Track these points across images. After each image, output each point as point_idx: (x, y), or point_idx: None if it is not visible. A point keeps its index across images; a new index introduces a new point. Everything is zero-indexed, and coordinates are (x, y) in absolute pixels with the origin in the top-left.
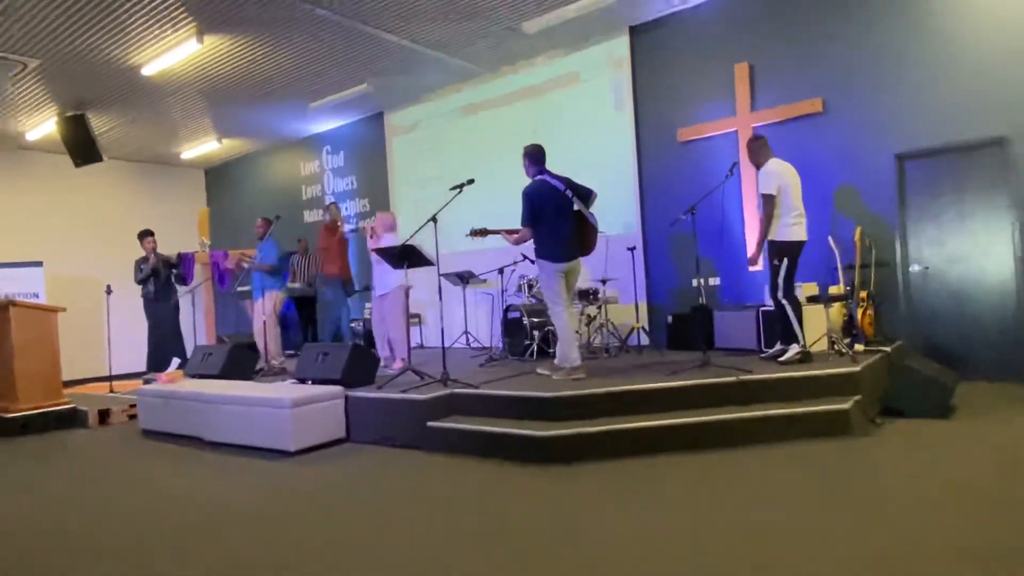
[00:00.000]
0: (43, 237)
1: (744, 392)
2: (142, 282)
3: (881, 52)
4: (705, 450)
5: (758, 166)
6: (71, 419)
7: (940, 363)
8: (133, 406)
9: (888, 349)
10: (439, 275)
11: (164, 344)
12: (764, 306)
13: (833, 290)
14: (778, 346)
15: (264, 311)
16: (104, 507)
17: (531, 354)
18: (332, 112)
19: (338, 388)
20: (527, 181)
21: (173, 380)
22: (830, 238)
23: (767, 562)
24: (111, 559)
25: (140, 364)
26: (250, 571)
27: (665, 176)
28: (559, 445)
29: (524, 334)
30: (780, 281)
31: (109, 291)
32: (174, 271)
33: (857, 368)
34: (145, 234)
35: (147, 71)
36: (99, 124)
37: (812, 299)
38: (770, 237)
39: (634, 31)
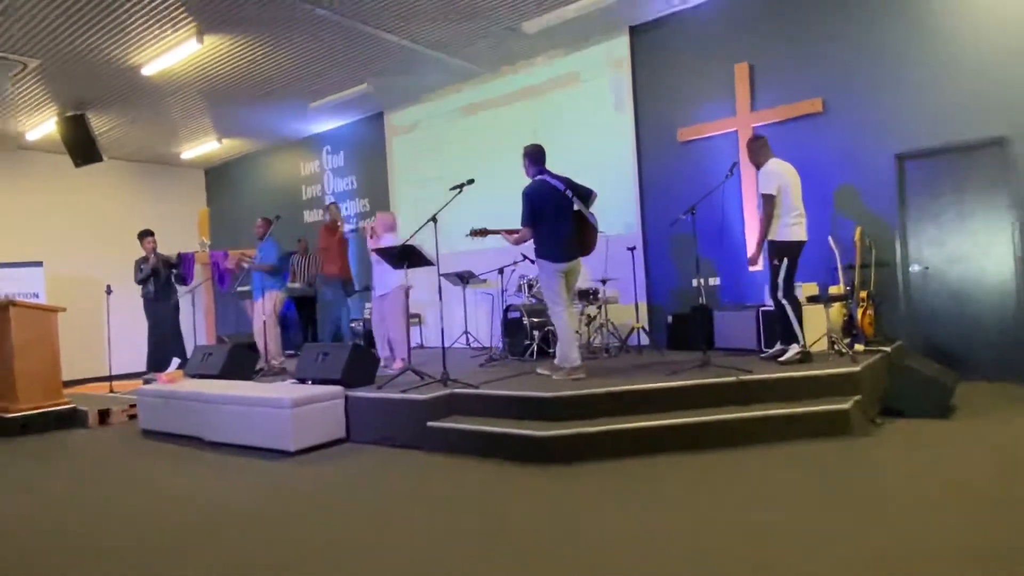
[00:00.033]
0: (43, 237)
1: (744, 392)
2: (142, 282)
3: (881, 52)
4: (705, 450)
5: (758, 166)
6: (71, 419)
7: (940, 363)
8: (133, 406)
9: (888, 349)
10: (439, 275)
11: (164, 344)
12: (764, 306)
13: (833, 290)
14: (778, 346)
15: (264, 311)
16: (104, 507)
17: (531, 354)
18: (332, 112)
19: (338, 388)
20: (527, 181)
21: (173, 380)
22: (830, 238)
23: (767, 562)
24: (111, 559)
25: (140, 364)
26: (250, 571)
27: (665, 176)
28: (559, 445)
29: (524, 334)
30: (780, 281)
31: (109, 291)
32: (174, 271)
33: (857, 368)
34: (145, 234)
35: (147, 71)
36: (99, 124)
37: (812, 299)
38: (770, 237)
39: (634, 31)
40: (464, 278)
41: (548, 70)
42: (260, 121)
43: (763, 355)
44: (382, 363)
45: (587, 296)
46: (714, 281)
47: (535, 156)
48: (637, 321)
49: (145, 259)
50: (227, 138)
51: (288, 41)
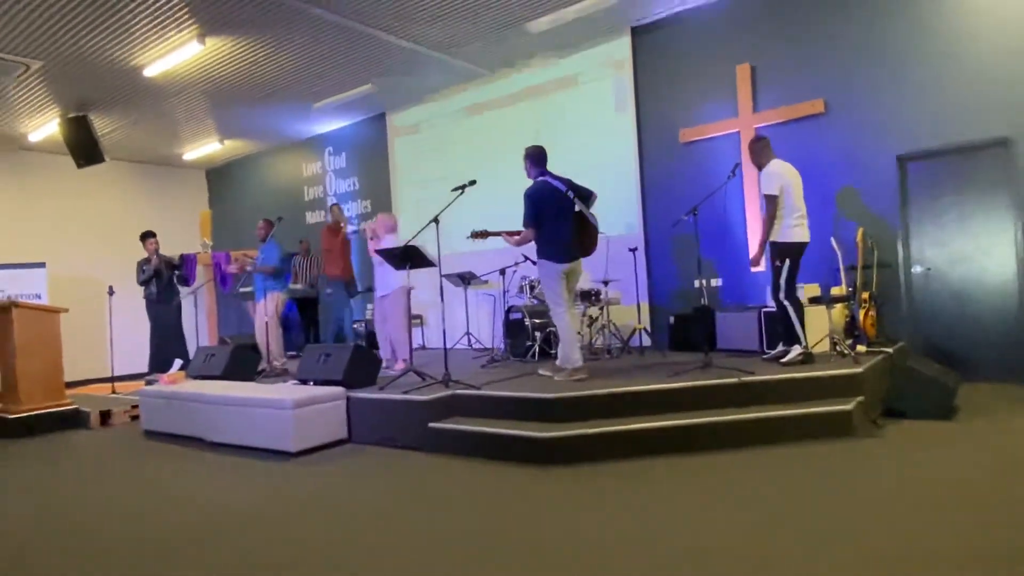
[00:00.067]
0: (45, 238)
1: (746, 393)
2: (144, 283)
3: (882, 53)
4: (707, 451)
5: (760, 167)
6: (73, 420)
7: (942, 364)
8: (135, 407)
9: (890, 350)
10: (441, 276)
11: (166, 345)
12: (766, 307)
13: (835, 291)
14: (780, 347)
15: (266, 312)
16: (106, 507)
17: (533, 355)
18: (334, 113)
19: (340, 389)
20: (529, 182)
21: (175, 381)
22: (832, 239)
23: (769, 563)
24: (113, 560)
25: (142, 365)
26: (252, 571)
27: (667, 177)
28: (561, 446)
29: (526, 335)
30: (782, 282)
31: (111, 292)
32: (176, 272)
33: (859, 369)
34: (147, 235)
35: (149, 72)
36: (101, 125)
37: (814, 300)
38: (772, 238)
39: (636, 32)
40: (466, 279)
41: (550, 71)
42: (262, 122)
43: (765, 356)
44: (384, 364)
45: (589, 297)
46: (716, 282)
47: (536, 157)
48: (639, 322)
49: (147, 260)
50: (229, 139)
51: (290, 42)
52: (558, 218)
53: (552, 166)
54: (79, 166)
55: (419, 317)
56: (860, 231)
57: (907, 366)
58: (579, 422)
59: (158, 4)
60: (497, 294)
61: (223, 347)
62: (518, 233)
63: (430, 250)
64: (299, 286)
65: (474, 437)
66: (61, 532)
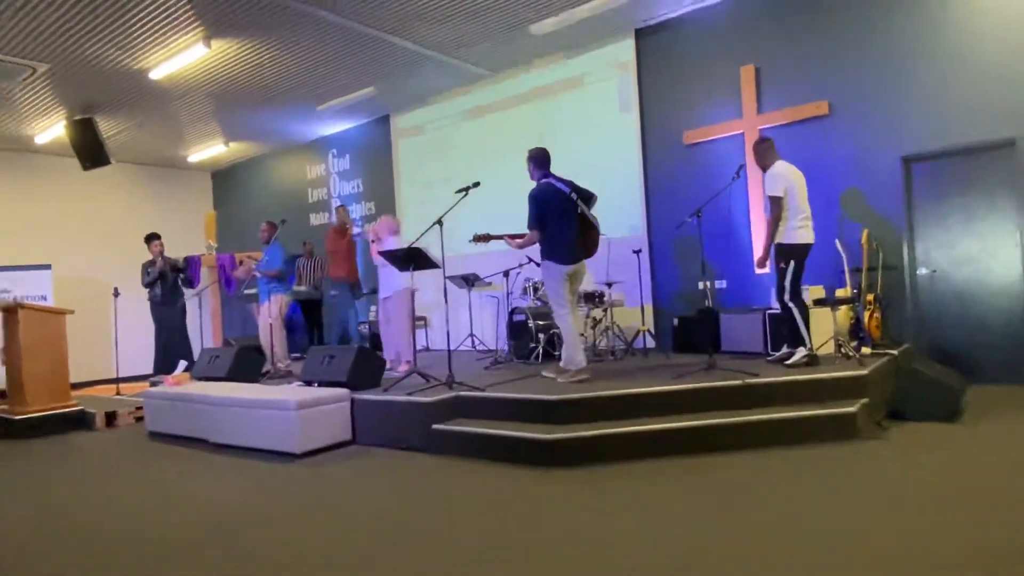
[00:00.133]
0: (51, 240)
1: (750, 395)
2: (149, 285)
3: (887, 54)
4: (711, 453)
5: (764, 168)
6: (78, 421)
7: (947, 366)
8: (140, 408)
9: (895, 352)
10: (444, 278)
11: (171, 347)
12: (770, 309)
13: (840, 293)
14: (785, 349)
15: (270, 314)
16: (110, 508)
17: (536, 357)
18: (338, 115)
19: (344, 391)
20: (533, 184)
21: (180, 382)
22: (837, 241)
23: (772, 564)
24: (117, 560)
25: (147, 366)
26: (256, 572)
27: (671, 178)
28: (564, 448)
29: (529, 337)
30: (787, 284)
31: (116, 294)
32: (181, 275)
33: (864, 371)
34: (152, 237)
35: (155, 75)
36: (107, 128)
37: (819, 302)
38: (777, 240)
39: (640, 34)
40: (469, 281)
41: (554, 73)
42: (267, 124)
43: (770, 358)
44: (388, 366)
45: (593, 299)
46: (720, 284)
47: (540, 159)
48: (643, 324)
49: (152, 262)
50: (234, 141)
51: (295, 45)
52: (562, 220)
53: (556, 168)
54: (85, 168)
55: (423, 319)
56: (865, 233)
57: (912, 368)
58: (583, 424)
59: (164, 7)
60: (501, 296)
61: (227, 349)
62: (521, 236)
63: (434, 252)
64: (303, 288)
65: (478, 439)
66: (65, 532)
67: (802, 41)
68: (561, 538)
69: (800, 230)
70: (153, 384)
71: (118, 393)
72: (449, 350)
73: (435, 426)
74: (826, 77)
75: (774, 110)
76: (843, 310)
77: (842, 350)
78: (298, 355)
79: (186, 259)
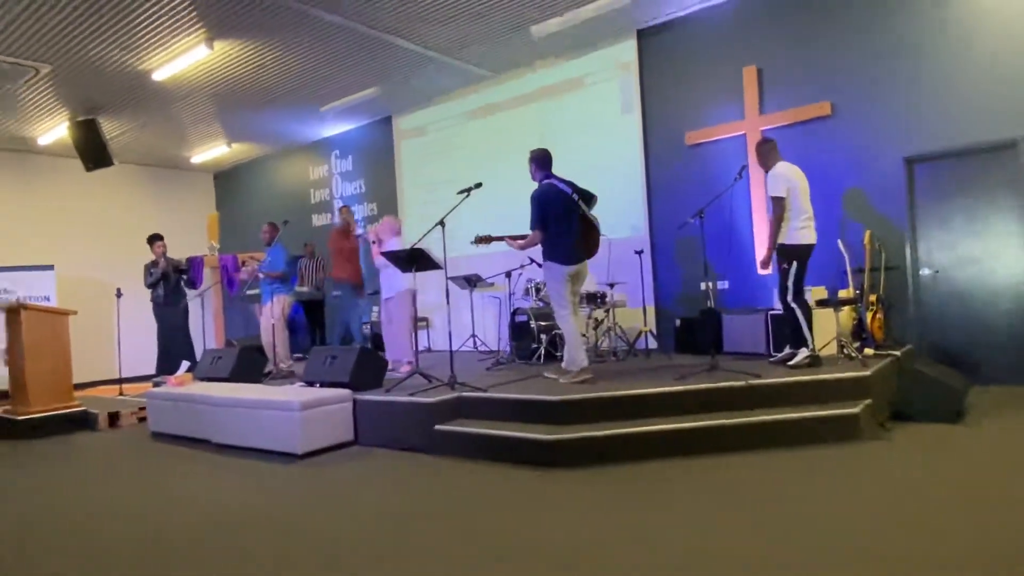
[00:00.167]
0: (54, 241)
1: (753, 396)
2: (152, 286)
3: (889, 55)
4: (713, 454)
5: (767, 169)
6: (81, 421)
7: (950, 367)
8: (142, 409)
9: (898, 353)
10: (447, 278)
11: (173, 347)
12: (773, 310)
13: (842, 294)
14: (787, 350)
15: (273, 315)
16: (113, 509)
17: (538, 357)
18: (341, 116)
19: (346, 391)
20: (535, 185)
21: (182, 383)
22: (839, 242)
23: (774, 565)
24: (119, 561)
25: (150, 367)
26: (258, 572)
27: (673, 179)
28: (566, 449)
29: (531, 337)
30: (790, 284)
31: (119, 294)
32: (183, 275)
33: (867, 372)
34: (155, 238)
35: (158, 76)
36: (110, 129)
37: (821, 303)
38: (780, 240)
39: (642, 34)
40: (472, 281)
41: (556, 73)
42: (269, 125)
43: (772, 359)
44: (390, 366)
45: (595, 300)
46: (722, 284)
47: (541, 161)
48: (645, 325)
49: (155, 263)
50: (236, 142)
51: (297, 46)
52: (564, 220)
53: (558, 168)
54: (88, 169)
55: (425, 319)
56: (867, 233)
57: (915, 369)
58: (585, 425)
59: (166, 9)
60: (503, 296)
61: (230, 349)
62: (522, 237)
63: (436, 252)
64: (305, 289)
65: (480, 439)
66: (68, 532)
67: (804, 42)
68: (563, 539)
69: (803, 231)
70: (156, 384)
71: (121, 394)
72: (451, 351)
73: (437, 427)
74: (828, 78)
75: (776, 111)
76: (845, 311)
77: (844, 351)
78: (300, 356)
79: (188, 260)
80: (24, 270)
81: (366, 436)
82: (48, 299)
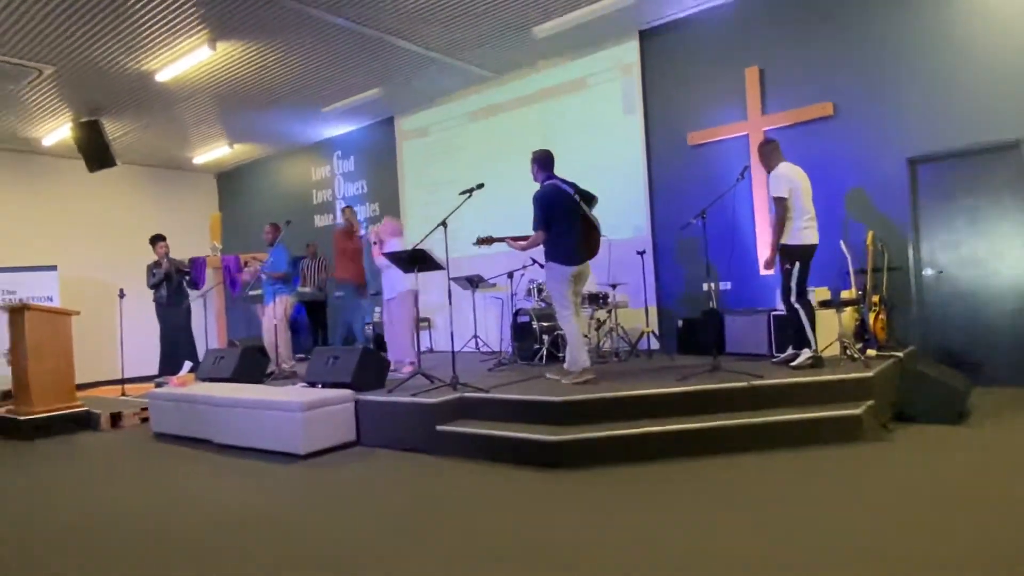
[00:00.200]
0: (57, 241)
1: (755, 397)
2: (155, 287)
3: (892, 55)
4: (715, 455)
5: (769, 170)
6: (84, 422)
7: (953, 368)
8: (145, 409)
9: (901, 354)
10: (449, 279)
11: (176, 348)
12: (775, 310)
13: (845, 294)
14: (790, 350)
15: (275, 315)
16: (115, 509)
17: (541, 358)
18: (343, 117)
19: (348, 392)
20: (537, 185)
21: (185, 383)
22: (842, 242)
23: (776, 566)
24: (121, 561)
25: (152, 367)
26: (260, 572)
27: (675, 180)
28: (568, 450)
29: (533, 338)
30: (793, 285)
31: (122, 295)
32: (186, 276)
33: (869, 373)
34: (157, 239)
35: (160, 77)
36: (113, 129)
37: (824, 304)
38: (782, 241)
39: (644, 35)
40: (474, 282)
41: (558, 74)
42: (271, 126)
43: (774, 360)
44: (392, 367)
45: (597, 300)
46: (724, 285)
47: (544, 161)
48: (647, 325)
49: (158, 264)
50: (239, 143)
51: (299, 47)
52: (567, 221)
53: (560, 169)
54: (91, 170)
55: (427, 320)
56: (870, 234)
57: (917, 370)
58: (587, 425)
59: (169, 10)
60: (505, 297)
61: (232, 350)
62: (524, 239)
63: (438, 253)
64: (307, 289)
65: (482, 440)
66: (70, 532)
67: (807, 42)
68: (564, 539)
69: (805, 231)
70: (158, 385)
71: (123, 394)
72: (453, 351)
73: (439, 427)
74: (831, 78)
75: (778, 111)
76: (848, 312)
77: (847, 352)
78: (302, 356)
79: (191, 260)
80: (27, 271)
81: (368, 436)
82: (51, 299)
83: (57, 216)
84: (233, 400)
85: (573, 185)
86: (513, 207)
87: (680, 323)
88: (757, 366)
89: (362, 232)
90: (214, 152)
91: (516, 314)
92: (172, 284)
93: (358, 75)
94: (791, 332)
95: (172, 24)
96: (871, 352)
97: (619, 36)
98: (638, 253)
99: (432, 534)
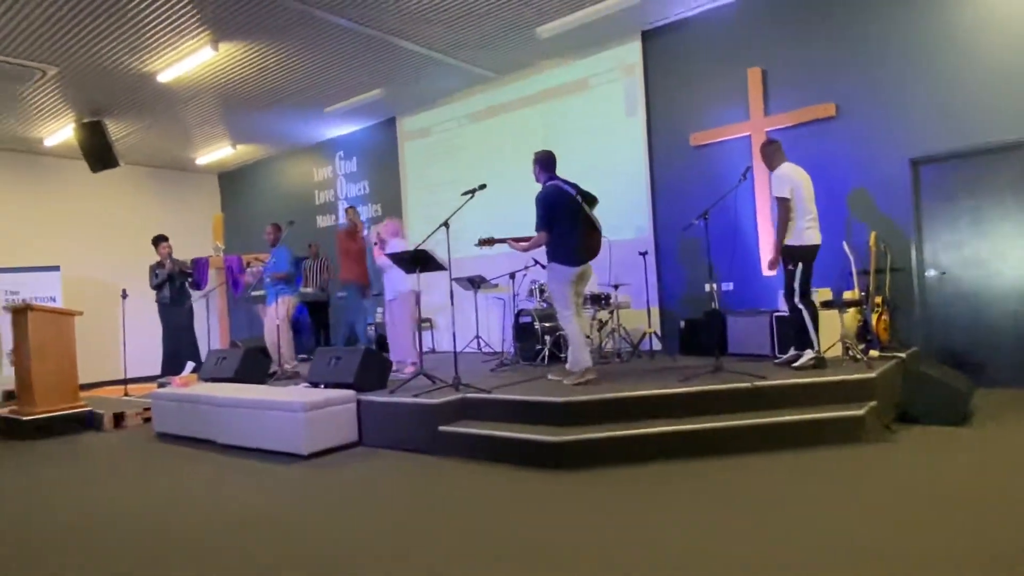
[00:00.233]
0: (60, 242)
1: (757, 398)
2: (157, 287)
3: (895, 56)
4: (717, 456)
5: (771, 170)
6: (87, 422)
7: (956, 369)
8: (148, 409)
9: (903, 355)
10: (451, 279)
11: (178, 348)
12: (778, 311)
13: (848, 295)
14: (792, 351)
15: (277, 315)
16: (118, 509)
17: (542, 359)
18: (345, 117)
19: (350, 392)
20: (539, 186)
21: (187, 384)
22: (844, 243)
23: (777, 566)
24: (124, 561)
25: (155, 368)
26: (261, 572)
27: (677, 180)
28: (570, 450)
29: (535, 339)
30: (796, 285)
31: (125, 295)
32: (189, 276)
33: (872, 374)
34: (160, 239)
35: (163, 78)
36: (116, 130)
37: (826, 304)
38: (785, 241)
39: (646, 36)
40: (476, 283)
41: (560, 75)
42: (274, 127)
43: (777, 361)
44: (394, 367)
45: (599, 301)
46: (727, 286)
47: (546, 162)
48: (649, 326)
49: (160, 264)
50: (241, 143)
51: (302, 47)
52: (569, 222)
53: (562, 169)
54: (94, 170)
55: (429, 320)
56: (873, 235)
57: (920, 371)
58: (589, 426)
59: (172, 11)
60: (507, 298)
61: (234, 350)
62: (525, 240)
63: (440, 254)
64: (309, 290)
65: (484, 440)
66: (72, 532)
67: (809, 43)
68: (565, 540)
69: (808, 231)
70: (161, 385)
71: (126, 394)
72: (455, 352)
73: (441, 428)
74: (833, 79)
75: (781, 112)
76: (851, 312)
77: (850, 353)
78: (305, 356)
79: (193, 261)
80: (30, 271)
81: (370, 437)
82: (54, 300)
83: (60, 217)
84: (235, 400)
85: (575, 186)
86: (515, 208)
87: (682, 324)
88: (760, 367)
89: (365, 232)
90: (217, 153)
91: (518, 315)
92: (175, 285)
93: (360, 75)
94: (793, 333)
95: (175, 25)
96: (874, 353)
97: (622, 36)
98: (640, 254)
99: (433, 534)
